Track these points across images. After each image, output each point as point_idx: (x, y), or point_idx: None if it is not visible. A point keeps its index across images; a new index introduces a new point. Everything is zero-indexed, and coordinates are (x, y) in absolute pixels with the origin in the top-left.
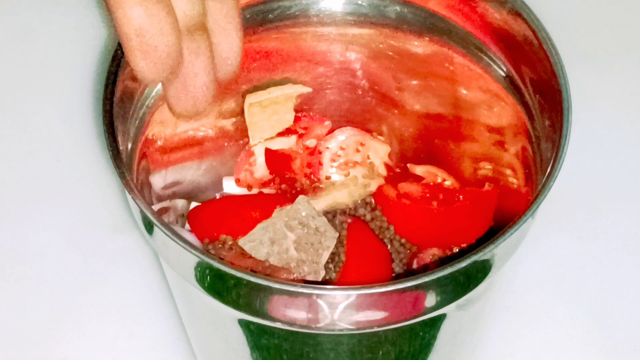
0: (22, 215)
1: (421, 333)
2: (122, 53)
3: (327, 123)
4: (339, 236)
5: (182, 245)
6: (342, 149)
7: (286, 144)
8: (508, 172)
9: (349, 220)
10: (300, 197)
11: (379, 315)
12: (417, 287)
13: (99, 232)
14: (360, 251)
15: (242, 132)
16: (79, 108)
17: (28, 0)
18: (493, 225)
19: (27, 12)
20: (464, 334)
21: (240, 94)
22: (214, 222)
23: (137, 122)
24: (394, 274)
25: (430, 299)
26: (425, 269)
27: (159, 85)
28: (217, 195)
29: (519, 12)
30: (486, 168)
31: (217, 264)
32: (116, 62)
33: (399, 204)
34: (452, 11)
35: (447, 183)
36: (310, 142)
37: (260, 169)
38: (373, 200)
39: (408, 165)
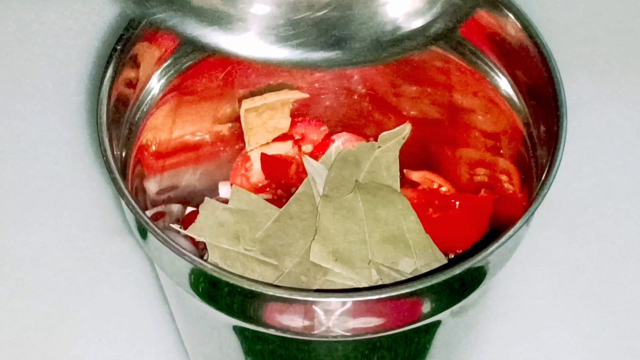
0: (18, 218)
1: (416, 339)
2: (116, 58)
3: (324, 128)
4: None
5: (175, 252)
6: None
7: (282, 149)
8: (504, 178)
9: None
10: None
11: (373, 322)
12: (411, 294)
13: (95, 236)
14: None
15: (238, 137)
16: (74, 112)
17: (20, 4)
18: (489, 231)
19: (20, 17)
20: (458, 340)
21: (236, 99)
22: None
23: (131, 127)
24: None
25: (425, 306)
26: (420, 276)
27: (153, 91)
28: None
29: (515, 18)
30: (482, 174)
31: (211, 270)
32: (111, 66)
33: None
34: None
35: (443, 189)
36: (307, 148)
37: (256, 174)
38: None
39: (404, 170)
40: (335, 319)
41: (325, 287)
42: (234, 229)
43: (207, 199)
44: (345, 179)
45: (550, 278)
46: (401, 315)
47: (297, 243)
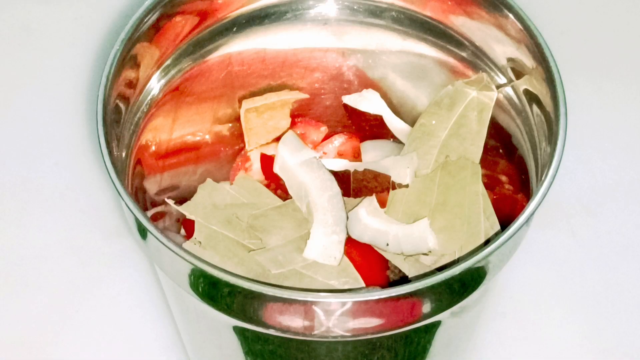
0: (18, 218)
1: (416, 339)
2: (117, 58)
3: (323, 129)
4: None
5: (175, 252)
6: (338, 154)
7: None
8: (504, 178)
9: None
10: None
11: (373, 322)
12: (411, 294)
13: (95, 236)
14: (355, 258)
15: (238, 137)
16: (74, 112)
17: (21, 4)
18: None
19: (21, 17)
20: (458, 340)
21: (236, 99)
22: None
23: (132, 127)
24: (389, 281)
25: (425, 306)
26: (420, 276)
27: (153, 91)
28: None
29: (515, 18)
30: (482, 174)
31: (210, 271)
32: (111, 67)
33: None
34: (448, 17)
35: None
36: None
37: (256, 175)
38: None
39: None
40: (335, 319)
41: (295, 279)
42: (228, 213)
43: (208, 179)
44: (434, 127)
45: (550, 278)
46: (401, 316)
47: (289, 230)
